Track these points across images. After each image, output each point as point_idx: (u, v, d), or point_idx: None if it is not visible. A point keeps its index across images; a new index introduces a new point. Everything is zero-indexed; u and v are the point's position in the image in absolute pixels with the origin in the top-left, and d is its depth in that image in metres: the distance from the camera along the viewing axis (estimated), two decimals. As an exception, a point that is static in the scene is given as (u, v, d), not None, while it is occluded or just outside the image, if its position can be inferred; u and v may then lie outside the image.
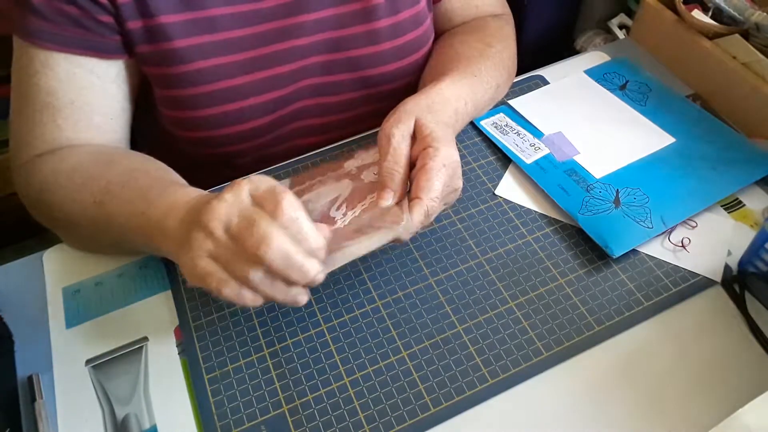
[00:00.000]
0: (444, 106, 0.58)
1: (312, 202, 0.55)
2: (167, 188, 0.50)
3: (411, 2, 0.66)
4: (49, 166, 0.57)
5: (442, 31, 0.74)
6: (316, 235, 0.43)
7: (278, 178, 0.66)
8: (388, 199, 0.51)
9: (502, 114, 0.71)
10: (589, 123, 0.70)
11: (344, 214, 0.52)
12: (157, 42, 0.58)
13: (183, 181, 0.54)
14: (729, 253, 0.59)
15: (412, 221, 0.49)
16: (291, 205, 0.42)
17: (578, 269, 0.58)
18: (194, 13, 0.58)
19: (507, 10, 0.77)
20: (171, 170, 0.57)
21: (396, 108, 0.56)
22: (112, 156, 0.58)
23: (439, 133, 0.53)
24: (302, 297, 0.45)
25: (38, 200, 0.57)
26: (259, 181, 0.43)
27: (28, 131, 0.59)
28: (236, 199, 0.42)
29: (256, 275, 0.42)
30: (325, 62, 0.66)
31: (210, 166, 0.72)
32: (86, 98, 0.58)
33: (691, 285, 0.56)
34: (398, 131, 0.53)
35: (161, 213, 0.48)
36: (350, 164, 0.59)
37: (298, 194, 0.57)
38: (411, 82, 0.71)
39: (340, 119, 0.72)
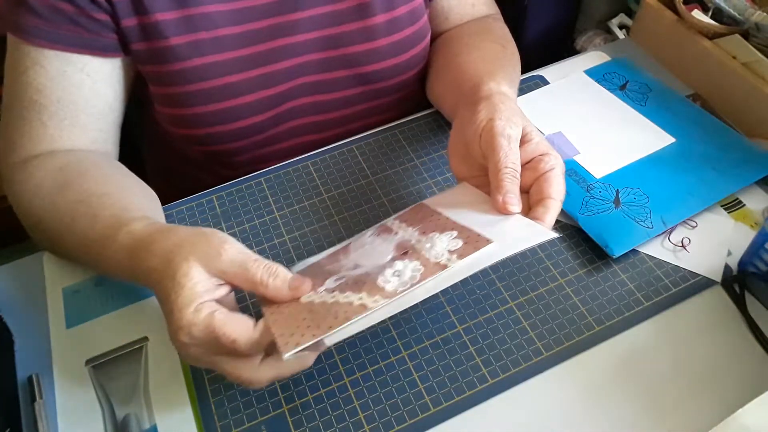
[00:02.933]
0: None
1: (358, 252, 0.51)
2: (107, 240, 0.50)
3: None
4: (20, 180, 0.57)
5: (437, 31, 0.74)
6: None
7: (278, 179, 0.67)
8: (515, 204, 0.48)
9: (502, 114, 0.71)
10: (589, 123, 0.70)
11: (327, 290, 0.46)
12: (152, 39, 0.58)
13: (128, 214, 0.51)
14: (729, 253, 0.59)
15: (546, 222, 0.47)
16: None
17: (578, 269, 0.58)
18: (189, 10, 0.58)
19: (496, 9, 0.77)
20: (121, 192, 0.56)
21: (493, 106, 0.52)
22: (68, 179, 0.56)
23: (546, 141, 0.51)
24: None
25: (15, 211, 0.59)
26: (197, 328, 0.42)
27: (14, 128, 0.59)
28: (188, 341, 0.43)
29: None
30: (322, 59, 0.66)
31: (207, 165, 0.72)
32: (74, 97, 0.58)
33: (691, 285, 0.56)
34: (514, 134, 0.50)
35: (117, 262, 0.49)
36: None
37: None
38: (408, 79, 0.71)
39: (337, 117, 0.72)
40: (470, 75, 0.61)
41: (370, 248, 0.50)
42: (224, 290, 0.44)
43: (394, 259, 0.47)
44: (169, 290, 0.42)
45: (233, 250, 0.43)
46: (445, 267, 0.44)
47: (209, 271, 0.43)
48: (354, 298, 0.44)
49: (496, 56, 0.65)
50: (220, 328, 0.41)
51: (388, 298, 0.42)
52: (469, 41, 0.69)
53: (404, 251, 0.48)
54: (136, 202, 0.55)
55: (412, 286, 0.43)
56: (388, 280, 0.44)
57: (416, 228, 0.50)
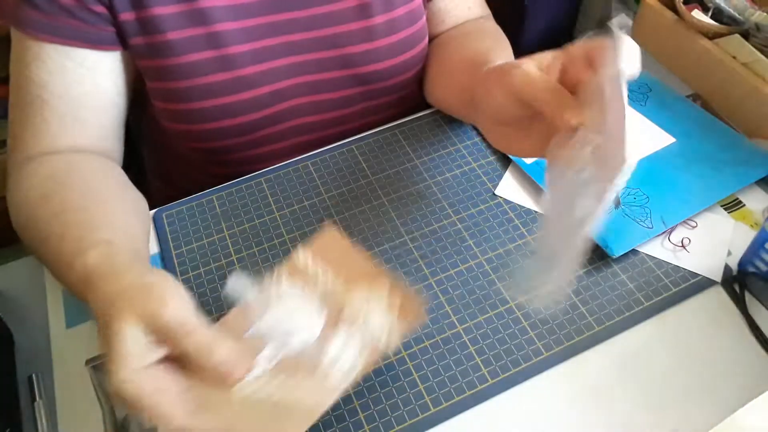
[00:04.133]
0: None
1: (275, 308, 0.44)
2: (68, 265, 0.46)
3: None
4: (16, 181, 0.57)
5: (433, 33, 0.74)
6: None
7: (278, 179, 0.67)
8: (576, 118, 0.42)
9: (502, 114, 0.71)
10: (589, 123, 0.70)
11: (264, 372, 0.42)
12: (150, 34, 0.58)
13: (90, 239, 0.47)
14: (729, 253, 0.59)
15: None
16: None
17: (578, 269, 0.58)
18: (187, 5, 0.58)
19: (488, 9, 0.77)
20: (99, 207, 0.53)
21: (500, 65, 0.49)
22: (53, 189, 0.54)
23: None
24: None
25: (11, 214, 0.57)
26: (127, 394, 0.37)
27: (19, 124, 0.59)
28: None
29: None
30: (320, 59, 0.66)
31: (204, 164, 0.72)
32: (75, 92, 0.58)
33: (691, 285, 0.56)
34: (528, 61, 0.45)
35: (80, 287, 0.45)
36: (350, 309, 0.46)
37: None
38: (406, 79, 0.71)
39: (334, 116, 0.72)
40: (473, 63, 0.59)
41: (293, 306, 0.45)
42: (162, 352, 0.39)
43: (326, 333, 0.43)
44: (106, 344, 0.39)
45: (173, 313, 0.38)
46: (381, 350, 0.43)
47: (147, 328, 0.38)
48: (298, 395, 0.41)
49: (492, 47, 0.65)
50: (143, 401, 0.37)
51: (333, 392, 0.42)
52: (464, 41, 0.69)
53: (334, 320, 0.44)
54: (107, 220, 0.52)
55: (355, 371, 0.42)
56: (330, 370, 0.42)
57: (335, 272, 0.46)
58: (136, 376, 0.37)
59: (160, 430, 0.37)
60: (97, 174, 0.58)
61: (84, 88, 0.58)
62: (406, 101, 0.74)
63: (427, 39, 0.71)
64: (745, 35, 0.69)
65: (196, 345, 0.38)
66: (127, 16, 0.57)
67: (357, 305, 0.45)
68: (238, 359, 0.40)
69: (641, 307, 0.55)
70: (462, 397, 0.50)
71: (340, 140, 0.71)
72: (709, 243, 0.59)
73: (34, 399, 0.50)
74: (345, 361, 0.43)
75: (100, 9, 0.56)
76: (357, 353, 0.43)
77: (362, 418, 0.49)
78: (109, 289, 0.41)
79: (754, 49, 0.67)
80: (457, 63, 0.66)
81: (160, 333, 0.38)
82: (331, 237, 0.51)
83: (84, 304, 0.49)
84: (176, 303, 0.39)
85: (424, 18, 0.70)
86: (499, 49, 0.63)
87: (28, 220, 0.54)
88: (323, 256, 0.49)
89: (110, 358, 0.38)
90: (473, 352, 0.53)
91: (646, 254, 0.59)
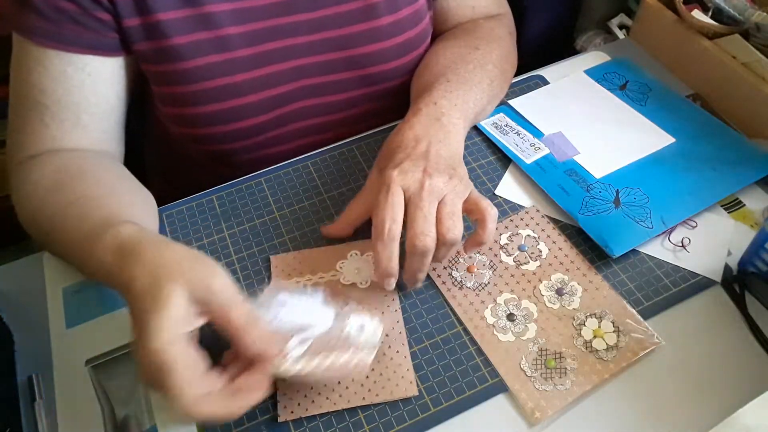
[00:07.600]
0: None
1: (286, 308, 0.48)
2: (93, 240, 0.47)
3: None
4: (20, 178, 0.58)
5: (437, 32, 0.74)
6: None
7: (278, 179, 0.67)
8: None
9: (502, 114, 0.71)
10: (589, 123, 0.70)
11: (300, 356, 0.46)
12: (155, 39, 0.58)
13: (118, 218, 0.49)
14: (729, 253, 0.59)
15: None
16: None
17: (578, 269, 0.58)
18: (192, 10, 0.58)
19: (505, 9, 0.77)
20: (115, 197, 0.55)
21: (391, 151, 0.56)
22: (63, 181, 0.55)
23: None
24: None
25: (16, 210, 0.58)
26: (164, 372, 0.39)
27: (19, 128, 0.59)
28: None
29: None
30: (326, 61, 0.66)
31: (208, 164, 0.72)
32: (75, 97, 0.58)
33: (691, 285, 0.56)
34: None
35: (96, 266, 0.46)
36: (346, 270, 0.57)
37: (283, 277, 0.57)
38: (410, 80, 0.71)
39: (340, 118, 0.72)
40: (426, 81, 0.64)
41: (300, 306, 0.49)
42: (201, 322, 0.42)
43: (339, 314, 0.49)
44: (148, 308, 0.40)
45: (223, 284, 0.42)
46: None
47: (193, 298, 0.41)
48: (344, 357, 0.47)
49: (450, 63, 0.65)
50: (172, 372, 0.39)
51: (371, 350, 0.48)
52: (439, 48, 0.69)
53: (341, 303, 0.50)
54: (127, 207, 0.53)
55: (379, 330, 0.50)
56: (359, 340, 0.48)
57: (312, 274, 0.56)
58: (173, 343, 0.39)
59: (171, 402, 0.39)
60: (106, 168, 0.59)
61: (84, 93, 0.59)
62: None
63: (429, 38, 0.71)
64: (745, 35, 0.69)
65: (239, 320, 0.42)
66: (131, 21, 0.57)
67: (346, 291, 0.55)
68: (272, 340, 0.44)
69: (641, 307, 0.55)
70: (462, 397, 0.50)
71: (343, 140, 0.71)
72: (709, 243, 0.59)
73: (34, 399, 0.50)
74: (368, 328, 0.49)
75: (104, 15, 0.56)
76: (373, 319, 0.50)
77: (362, 419, 0.49)
78: (158, 256, 0.42)
79: (754, 49, 0.67)
80: (422, 68, 0.68)
81: (205, 304, 0.41)
82: (282, 259, 0.58)
83: (88, 302, 0.49)
84: (225, 277, 0.42)
85: (428, 18, 0.70)
86: (459, 65, 0.65)
87: (38, 211, 0.54)
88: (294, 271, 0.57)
89: (153, 319, 0.39)
90: (473, 352, 0.53)
91: (646, 254, 0.59)
